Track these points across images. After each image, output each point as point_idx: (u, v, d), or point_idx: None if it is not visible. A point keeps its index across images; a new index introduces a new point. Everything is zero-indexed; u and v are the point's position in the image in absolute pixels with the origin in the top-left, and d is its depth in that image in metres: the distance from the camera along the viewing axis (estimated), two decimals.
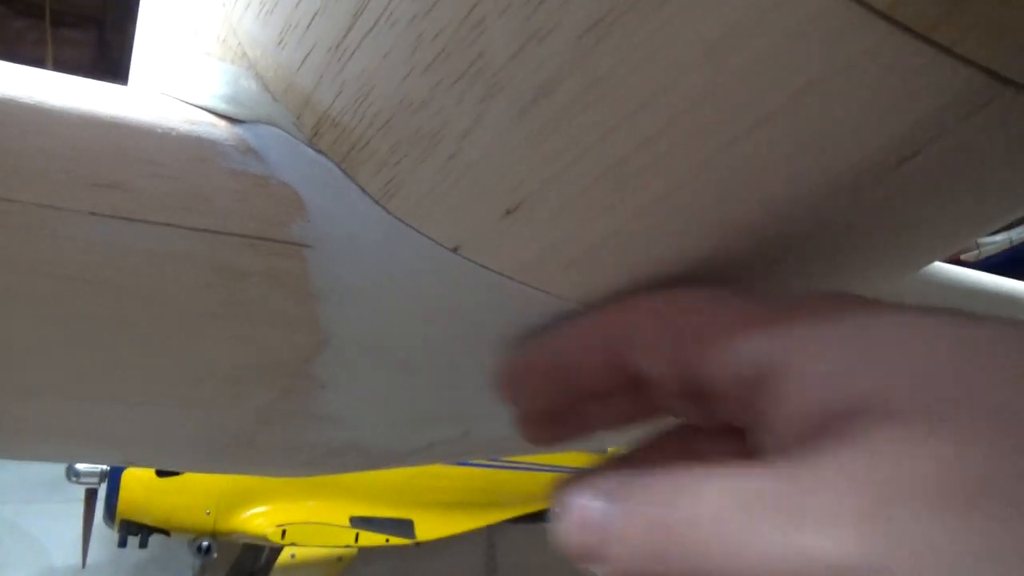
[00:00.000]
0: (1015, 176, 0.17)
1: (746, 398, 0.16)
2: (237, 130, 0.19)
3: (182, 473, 1.53)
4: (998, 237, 2.18)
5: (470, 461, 1.71)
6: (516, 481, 1.84)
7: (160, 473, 1.54)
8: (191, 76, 0.20)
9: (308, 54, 0.17)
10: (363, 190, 0.18)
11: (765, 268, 0.21)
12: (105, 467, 1.56)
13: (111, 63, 2.86)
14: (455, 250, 0.19)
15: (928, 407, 0.13)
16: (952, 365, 0.13)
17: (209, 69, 0.19)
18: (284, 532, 1.59)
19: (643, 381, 0.19)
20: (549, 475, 1.88)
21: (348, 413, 0.31)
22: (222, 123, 0.19)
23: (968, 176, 0.17)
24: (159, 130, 0.18)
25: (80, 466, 1.57)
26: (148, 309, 0.20)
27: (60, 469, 1.63)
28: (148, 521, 1.58)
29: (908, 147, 0.15)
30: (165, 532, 1.61)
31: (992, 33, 0.13)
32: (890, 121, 0.15)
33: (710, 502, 0.13)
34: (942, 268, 0.40)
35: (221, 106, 0.19)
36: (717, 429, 0.18)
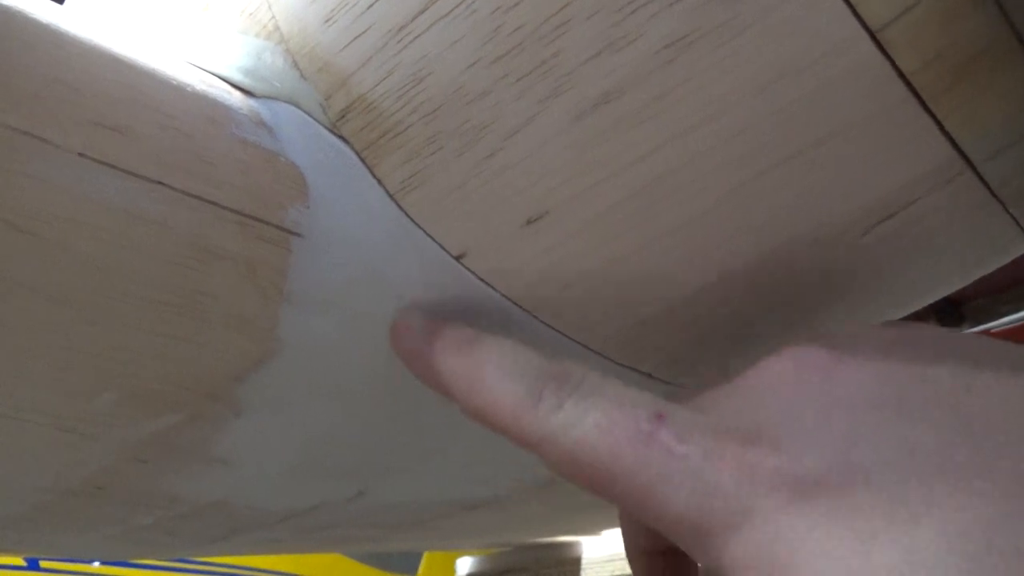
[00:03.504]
0: (946, 258, 0.21)
1: None
2: (252, 103, 0.18)
3: None
4: None
5: None
6: None
7: None
8: (206, 46, 0.19)
9: (360, 35, 0.17)
10: (379, 182, 0.18)
11: (714, 325, 0.22)
12: None
13: None
14: (459, 258, 0.19)
15: None
16: None
17: (228, 41, 0.19)
18: None
19: None
20: None
21: (245, 454, 0.28)
22: (237, 93, 0.18)
23: (916, 251, 0.20)
24: (174, 82, 0.17)
25: None
26: (93, 282, 0.18)
27: None
28: None
29: (886, 210, 0.18)
30: None
31: (968, 116, 0.16)
32: (883, 180, 0.17)
33: None
34: None
35: (237, 77, 0.18)
36: None
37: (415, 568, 1.94)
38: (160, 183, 0.17)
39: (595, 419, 0.15)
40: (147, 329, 0.20)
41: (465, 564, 0.71)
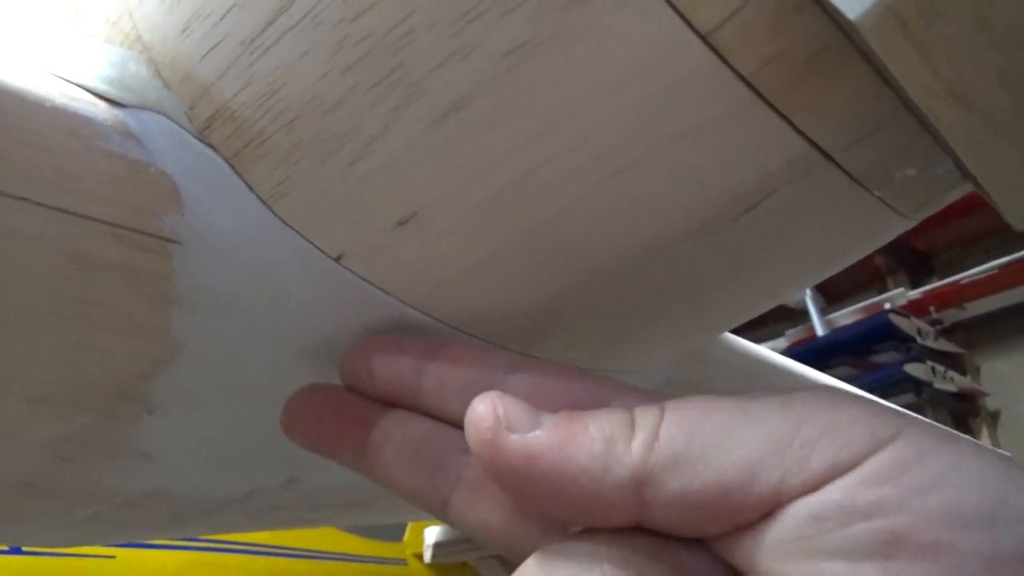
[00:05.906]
0: (821, 239, 0.21)
1: None
2: (118, 113, 0.18)
3: None
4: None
5: (255, 550, 1.57)
6: (296, 571, 1.72)
7: None
8: (70, 56, 0.19)
9: (216, 45, 0.17)
10: (250, 188, 0.18)
11: (603, 310, 0.23)
12: None
13: None
14: (338, 259, 0.19)
15: None
16: None
17: (93, 50, 0.18)
18: None
19: None
20: (332, 564, 1.77)
21: (167, 448, 0.28)
22: (102, 104, 0.18)
23: (788, 234, 0.20)
24: (31, 98, 0.17)
25: None
26: None
27: None
28: None
29: (750, 200, 0.19)
30: None
31: (816, 113, 0.17)
32: (740, 174, 0.18)
33: None
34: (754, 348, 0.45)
35: (102, 87, 0.18)
36: None
37: (400, 536, 1.98)
38: (24, 199, 0.17)
39: None
40: (39, 338, 0.20)
41: (433, 533, 0.73)
